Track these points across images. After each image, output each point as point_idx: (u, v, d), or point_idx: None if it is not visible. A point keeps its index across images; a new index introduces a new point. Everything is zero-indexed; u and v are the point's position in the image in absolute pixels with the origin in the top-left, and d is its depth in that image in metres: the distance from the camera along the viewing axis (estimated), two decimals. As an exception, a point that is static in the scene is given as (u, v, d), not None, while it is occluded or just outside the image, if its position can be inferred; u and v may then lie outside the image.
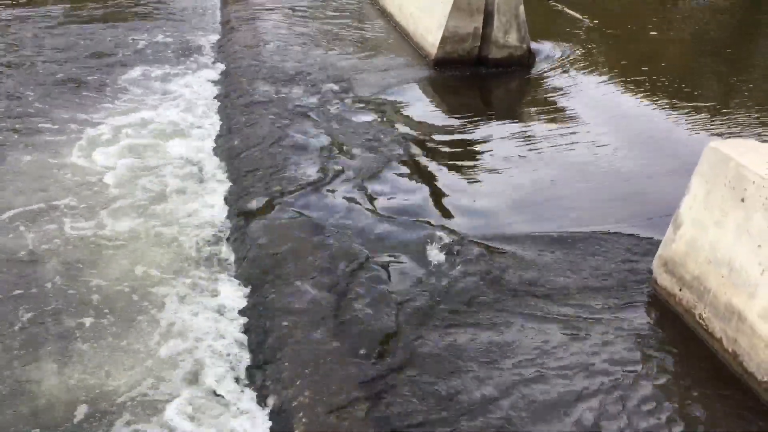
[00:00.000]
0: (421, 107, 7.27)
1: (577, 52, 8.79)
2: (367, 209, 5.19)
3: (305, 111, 6.91)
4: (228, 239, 5.04)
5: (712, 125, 6.60)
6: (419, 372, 3.56)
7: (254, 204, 5.29)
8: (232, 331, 4.09)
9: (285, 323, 4.00)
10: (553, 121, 6.86)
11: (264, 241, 4.81)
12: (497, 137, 6.51)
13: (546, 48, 8.85)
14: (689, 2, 11.81)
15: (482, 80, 8.14)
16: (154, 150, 6.37)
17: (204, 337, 4.02)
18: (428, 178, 5.69)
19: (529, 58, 8.37)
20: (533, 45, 8.47)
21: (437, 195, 5.43)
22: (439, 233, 4.81)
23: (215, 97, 7.71)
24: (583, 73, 8.08)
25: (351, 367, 3.61)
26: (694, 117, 6.80)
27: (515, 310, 4.04)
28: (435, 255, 4.57)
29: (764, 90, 7.72)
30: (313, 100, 7.21)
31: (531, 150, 6.19)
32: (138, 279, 4.57)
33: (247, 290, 4.43)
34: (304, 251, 4.64)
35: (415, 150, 6.18)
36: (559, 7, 11.03)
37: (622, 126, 6.67)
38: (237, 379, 3.76)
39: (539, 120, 6.92)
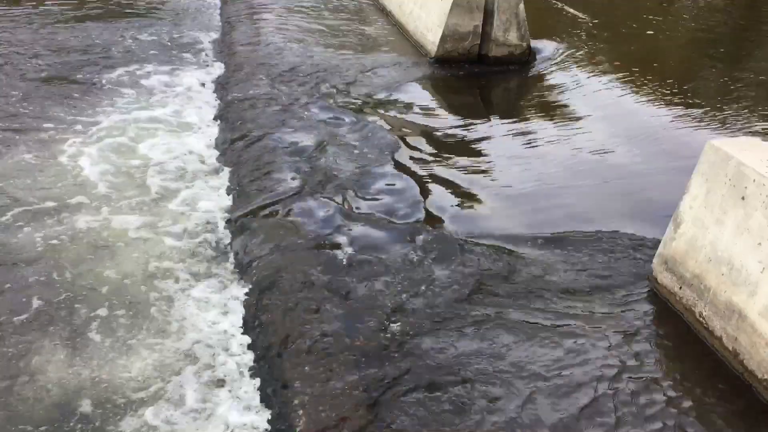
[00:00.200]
0: (421, 105, 7.26)
1: (578, 50, 8.78)
2: (361, 207, 5.19)
3: (305, 109, 6.90)
4: (230, 243, 5.05)
5: (712, 123, 6.60)
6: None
7: (252, 202, 5.29)
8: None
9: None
10: (553, 119, 6.86)
11: (262, 243, 4.81)
12: (497, 135, 6.51)
13: (546, 46, 8.84)
14: (689, 2, 11.81)
15: (482, 78, 8.14)
16: (153, 148, 6.36)
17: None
18: (428, 177, 5.69)
19: (529, 56, 8.37)
20: (533, 43, 8.47)
21: (437, 194, 5.43)
22: (437, 232, 4.81)
23: (214, 96, 7.69)
24: (584, 71, 8.07)
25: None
26: (694, 115, 6.79)
27: (515, 309, 4.05)
28: (435, 254, 4.57)
29: (764, 88, 7.72)
30: (313, 98, 7.20)
31: (531, 148, 6.19)
32: (145, 273, 4.63)
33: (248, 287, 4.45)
34: (300, 254, 4.65)
35: (415, 148, 6.17)
36: (560, 5, 11.02)
37: (623, 123, 6.67)
38: (241, 373, 3.80)
39: (539, 118, 6.92)
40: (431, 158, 6.02)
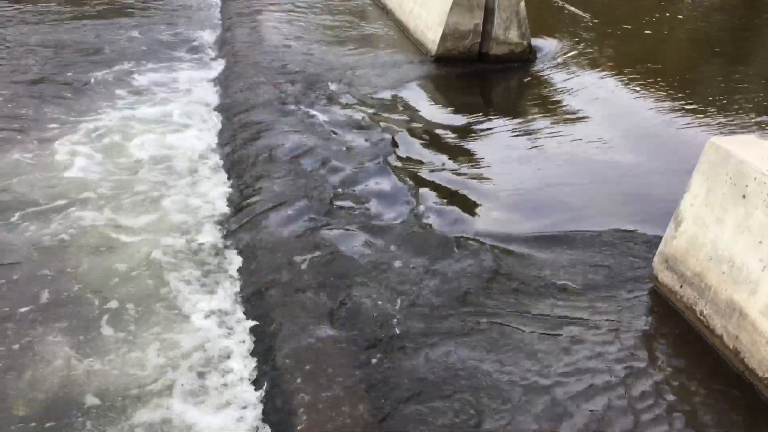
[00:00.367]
0: (422, 104, 7.25)
1: (578, 48, 8.77)
2: (359, 207, 5.18)
3: (305, 108, 6.90)
4: (230, 245, 5.04)
5: (712, 121, 6.59)
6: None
7: (251, 200, 5.29)
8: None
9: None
10: (553, 117, 6.85)
11: (261, 242, 4.81)
12: (498, 133, 6.50)
13: (547, 44, 8.84)
14: (690, 1, 11.80)
15: (483, 77, 8.13)
16: (153, 145, 6.36)
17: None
18: (427, 176, 5.68)
19: (529, 55, 8.36)
20: (534, 41, 8.46)
21: (435, 192, 5.42)
22: (435, 231, 4.81)
23: (214, 94, 7.69)
24: (584, 69, 8.06)
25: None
26: (694, 113, 6.79)
27: (516, 307, 4.04)
28: (432, 254, 4.57)
29: (764, 87, 7.71)
30: (313, 96, 7.19)
31: (531, 146, 6.18)
32: (151, 265, 4.67)
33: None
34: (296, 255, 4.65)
35: (415, 147, 6.17)
36: (560, 3, 11.01)
37: (623, 122, 6.66)
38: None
39: (540, 116, 6.91)
40: (431, 157, 6.01)
